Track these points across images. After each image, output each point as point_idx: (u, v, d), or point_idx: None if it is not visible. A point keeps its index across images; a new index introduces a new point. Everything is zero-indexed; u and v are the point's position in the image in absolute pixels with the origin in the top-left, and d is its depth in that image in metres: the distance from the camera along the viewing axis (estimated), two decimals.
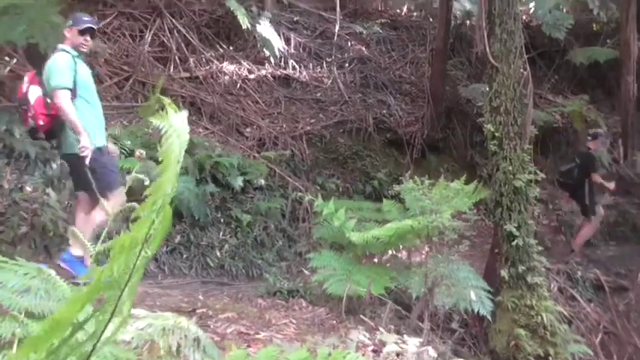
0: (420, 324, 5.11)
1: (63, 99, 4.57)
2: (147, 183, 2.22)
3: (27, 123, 4.87)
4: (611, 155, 11.23)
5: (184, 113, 1.64)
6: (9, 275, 2.29)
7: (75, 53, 4.77)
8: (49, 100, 4.67)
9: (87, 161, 4.54)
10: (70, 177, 5.12)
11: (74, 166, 4.75)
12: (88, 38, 4.85)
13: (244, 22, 9.73)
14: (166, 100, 1.63)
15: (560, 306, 6.60)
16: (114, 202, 4.29)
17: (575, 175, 8.63)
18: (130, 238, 1.60)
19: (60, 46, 4.84)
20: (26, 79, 4.87)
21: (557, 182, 9.37)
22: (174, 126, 1.59)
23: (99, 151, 4.73)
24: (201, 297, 5.62)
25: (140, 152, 2.18)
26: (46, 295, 2.25)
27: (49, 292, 2.24)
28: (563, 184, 9.06)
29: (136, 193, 2.14)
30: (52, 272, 2.33)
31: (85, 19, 4.90)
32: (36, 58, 7.71)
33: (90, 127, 4.69)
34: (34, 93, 4.71)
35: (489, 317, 5.56)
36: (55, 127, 4.75)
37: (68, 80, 4.64)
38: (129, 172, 6.79)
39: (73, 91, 4.67)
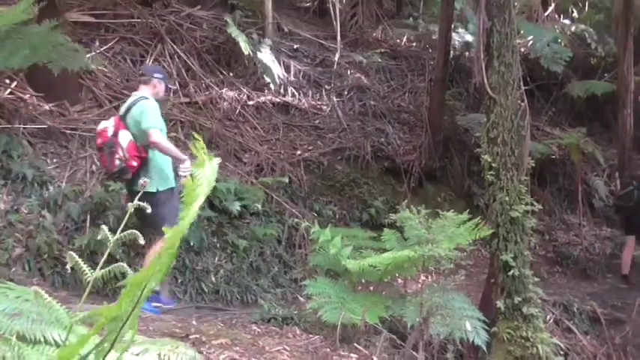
0: (415, 354, 5.07)
1: (159, 137, 5.14)
2: (149, 211, 2.24)
3: (113, 165, 5.20)
4: (608, 188, 11.27)
5: (216, 161, 1.68)
6: (0, 298, 2.28)
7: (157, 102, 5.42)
8: (136, 143, 5.20)
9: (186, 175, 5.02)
10: (138, 215, 5.11)
11: (151, 205, 4.91)
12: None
13: (246, 49, 9.81)
14: (200, 145, 1.66)
15: (556, 338, 6.57)
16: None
17: (635, 197, 9.25)
18: (143, 275, 1.63)
19: (144, 94, 5.43)
20: (110, 123, 5.29)
21: (614, 206, 10.09)
22: (206, 175, 1.63)
23: (171, 191, 5.31)
24: (194, 322, 5.58)
25: (144, 180, 2.19)
26: (38, 319, 2.23)
27: (42, 315, 2.22)
28: (620, 207, 9.67)
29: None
30: (45, 295, 2.32)
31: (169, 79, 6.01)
32: (37, 81, 7.78)
33: (167, 168, 5.30)
34: (124, 137, 5.19)
35: (484, 348, 5.52)
36: (140, 168, 5.20)
37: (160, 122, 5.26)
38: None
39: None
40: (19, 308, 2.27)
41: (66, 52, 6.82)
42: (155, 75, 5.57)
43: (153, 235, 5.16)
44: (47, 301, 2.22)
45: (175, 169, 5.41)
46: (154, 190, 5.17)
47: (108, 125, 5.31)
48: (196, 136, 1.80)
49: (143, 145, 5.22)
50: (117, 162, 5.18)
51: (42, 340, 2.19)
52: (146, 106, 5.25)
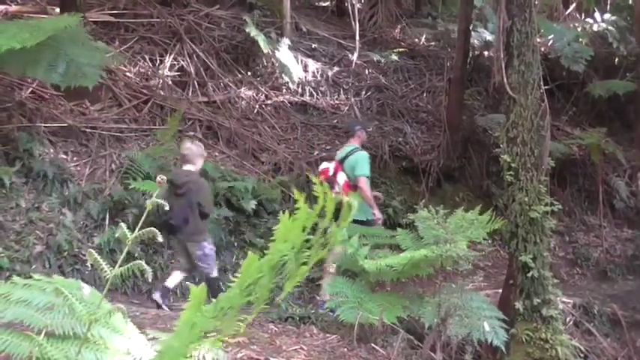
0: (433, 354, 5.05)
1: (366, 184, 6.66)
2: (167, 208, 2.24)
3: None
4: (629, 188, 11.13)
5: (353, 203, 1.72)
6: (36, 293, 2.30)
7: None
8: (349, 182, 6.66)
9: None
10: None
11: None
12: None
13: (265, 47, 9.83)
14: (317, 182, 1.69)
15: (575, 340, 6.50)
16: None
17: None
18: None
19: (355, 145, 6.95)
20: (331, 165, 6.84)
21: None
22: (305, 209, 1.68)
23: (369, 222, 6.60)
24: None
25: (161, 178, 2.20)
26: (69, 312, 2.25)
27: (74, 309, 2.23)
28: None
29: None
30: (86, 287, 2.33)
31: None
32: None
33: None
34: (341, 177, 6.70)
35: (503, 348, 5.47)
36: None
37: (369, 171, 6.73)
38: (143, 194, 6.84)
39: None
40: (52, 302, 2.28)
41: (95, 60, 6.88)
42: (356, 128, 7.18)
43: None
44: (67, 298, 2.23)
45: None
46: (364, 219, 6.55)
47: (329, 166, 6.87)
48: (298, 195, 1.86)
49: (354, 185, 6.68)
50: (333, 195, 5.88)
51: (71, 334, 2.20)
52: (361, 158, 6.79)
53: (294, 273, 1.69)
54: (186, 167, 6.07)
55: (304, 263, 1.71)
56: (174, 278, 6.04)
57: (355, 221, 6.02)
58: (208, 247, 6.02)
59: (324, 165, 7.01)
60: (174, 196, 5.78)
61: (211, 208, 6.25)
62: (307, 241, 1.78)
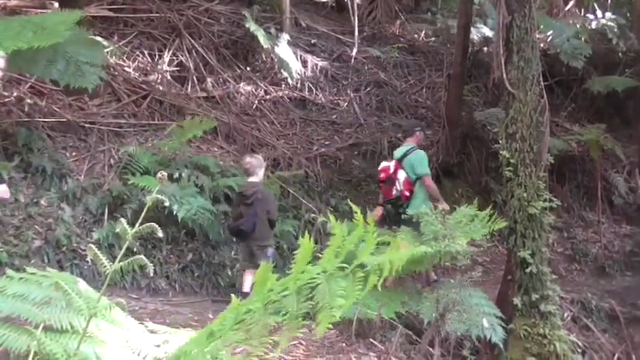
0: (431, 350, 5.06)
1: (430, 181, 7.06)
2: (167, 204, 2.25)
3: (390, 194, 7.07)
4: (627, 184, 11.13)
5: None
6: (32, 287, 2.30)
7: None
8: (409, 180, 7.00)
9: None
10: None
11: (414, 224, 6.47)
12: None
13: (265, 43, 9.81)
14: (357, 210, 1.70)
15: (573, 336, 6.51)
16: None
17: None
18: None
19: (413, 144, 7.26)
20: (392, 164, 7.15)
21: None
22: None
23: None
24: (210, 315, 5.62)
25: (162, 174, 2.20)
26: (67, 307, 2.25)
27: (71, 303, 2.23)
28: None
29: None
30: (81, 282, 2.33)
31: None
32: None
33: (426, 200, 6.87)
34: (402, 175, 7.01)
35: (501, 345, 5.49)
36: (410, 198, 6.99)
37: (428, 169, 7.13)
38: (142, 189, 6.84)
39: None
40: (49, 296, 2.28)
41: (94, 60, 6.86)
42: (416, 128, 7.58)
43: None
44: (67, 293, 2.23)
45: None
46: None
47: (389, 165, 7.18)
48: (355, 207, 1.89)
49: (413, 183, 7.02)
50: (394, 192, 7.04)
51: (69, 328, 2.20)
52: (420, 157, 7.13)
53: (327, 304, 1.68)
54: (251, 179, 6.47)
55: (339, 295, 1.71)
56: (249, 281, 6.16)
57: (412, 217, 6.49)
58: (271, 251, 6.41)
59: (384, 164, 7.37)
60: (243, 205, 6.32)
61: (276, 215, 6.74)
62: (342, 269, 1.79)
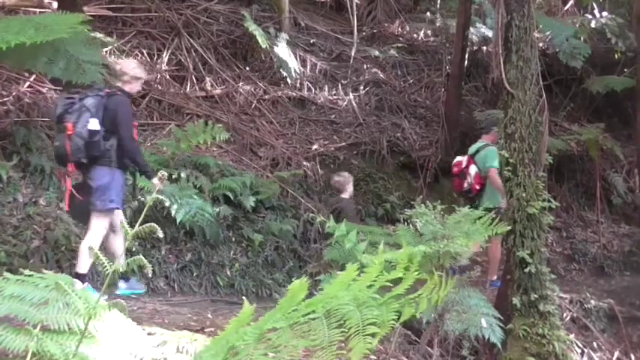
0: (430, 350, 5.06)
1: (496, 174, 7.29)
2: (167, 204, 2.25)
3: (462, 187, 7.71)
4: (626, 184, 11.14)
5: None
6: (29, 288, 2.30)
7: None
8: (480, 174, 7.53)
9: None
10: None
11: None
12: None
13: (264, 42, 9.80)
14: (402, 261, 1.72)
15: (572, 335, 6.52)
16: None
17: None
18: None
19: (487, 142, 7.71)
20: (464, 159, 7.71)
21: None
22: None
23: (498, 209, 7.05)
24: (210, 315, 5.61)
25: (162, 174, 2.20)
26: (64, 308, 2.25)
27: (69, 304, 2.23)
28: None
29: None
30: (78, 283, 2.33)
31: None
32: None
33: (497, 193, 7.29)
34: (473, 170, 7.56)
35: (500, 345, 5.48)
36: (480, 190, 7.55)
37: (498, 164, 7.16)
38: (141, 190, 6.83)
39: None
40: (46, 297, 2.28)
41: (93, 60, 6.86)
42: (492, 127, 7.81)
43: None
44: (67, 293, 2.23)
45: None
46: (492, 206, 7.03)
47: (462, 160, 7.73)
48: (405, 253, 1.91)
49: (484, 177, 7.51)
50: (465, 185, 7.63)
51: (66, 329, 2.20)
52: (491, 152, 7.48)
53: (360, 331, 1.69)
54: (342, 196, 7.29)
55: (372, 323, 1.71)
56: None
57: (485, 208, 6.73)
58: None
59: (457, 158, 7.89)
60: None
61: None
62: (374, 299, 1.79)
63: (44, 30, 6.15)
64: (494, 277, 7.59)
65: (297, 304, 1.76)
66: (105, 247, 5.48)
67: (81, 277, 5.26)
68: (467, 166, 7.63)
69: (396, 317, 1.80)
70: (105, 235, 5.42)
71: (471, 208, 7.06)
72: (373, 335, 1.71)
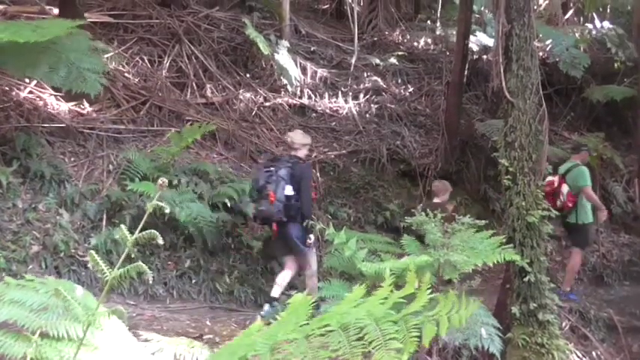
0: (429, 358, 5.04)
1: (590, 192, 8.05)
2: (167, 210, 2.25)
3: (555, 205, 7.70)
4: (626, 194, 11.14)
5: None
6: (29, 294, 2.29)
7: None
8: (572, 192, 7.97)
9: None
10: (573, 238, 8.63)
11: (578, 231, 8.28)
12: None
13: (265, 49, 9.82)
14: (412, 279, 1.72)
15: (572, 345, 6.50)
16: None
17: None
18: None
19: (577, 162, 8.22)
20: (556, 179, 8.06)
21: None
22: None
23: (590, 225, 8.26)
24: (208, 322, 5.61)
25: (162, 181, 2.20)
26: (64, 313, 2.24)
27: (68, 310, 2.23)
28: None
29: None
30: (79, 289, 2.32)
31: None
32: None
33: (589, 210, 8.12)
34: (565, 189, 7.99)
35: (499, 355, 5.47)
36: (573, 208, 8.04)
37: (590, 182, 8.04)
38: (140, 195, 6.83)
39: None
40: (46, 303, 2.27)
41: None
42: (582, 148, 8.58)
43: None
44: (67, 299, 2.22)
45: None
46: (580, 222, 8.10)
47: (554, 179, 8.06)
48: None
49: (575, 194, 7.98)
50: (558, 203, 7.90)
51: (65, 335, 2.19)
52: (582, 171, 8.08)
53: (382, 345, 1.69)
54: (435, 200, 7.71)
55: (393, 338, 1.72)
56: None
57: (576, 224, 8.09)
58: None
59: (549, 178, 8.00)
60: None
61: None
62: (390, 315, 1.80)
63: (41, 31, 6.16)
64: (568, 288, 8.13)
65: (309, 318, 1.77)
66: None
67: (273, 300, 6.40)
68: (559, 186, 8.07)
69: (418, 334, 1.80)
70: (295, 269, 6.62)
71: (564, 225, 8.41)
72: (399, 350, 1.72)
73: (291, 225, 6.35)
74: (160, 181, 2.18)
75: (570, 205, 8.02)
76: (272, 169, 6.49)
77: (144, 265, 2.05)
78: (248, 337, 1.84)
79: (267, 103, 10.20)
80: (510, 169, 6.14)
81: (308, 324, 1.82)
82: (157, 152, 7.82)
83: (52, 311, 2.24)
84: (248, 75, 10.45)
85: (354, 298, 1.83)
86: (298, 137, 6.79)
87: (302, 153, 6.70)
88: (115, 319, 2.22)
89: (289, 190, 6.34)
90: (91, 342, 2.21)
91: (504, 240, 5.42)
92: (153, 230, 2.07)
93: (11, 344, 2.17)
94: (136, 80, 9.23)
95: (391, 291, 1.83)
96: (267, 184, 6.37)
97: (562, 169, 8.26)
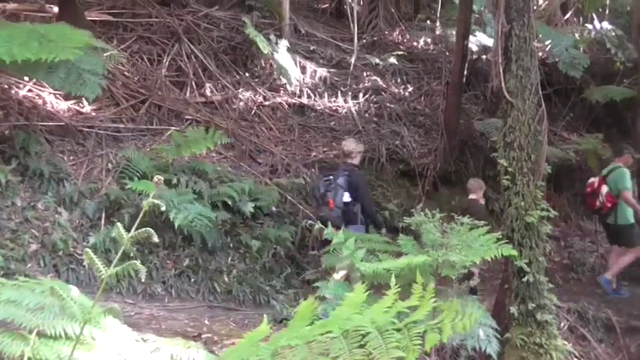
0: (427, 358, 5.04)
1: (628, 195, 8.28)
2: (163, 209, 2.25)
3: (594, 205, 8.58)
4: None
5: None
6: (25, 293, 2.29)
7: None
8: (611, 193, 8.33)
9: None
10: (612, 238, 8.84)
11: (619, 232, 8.52)
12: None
13: (265, 48, 9.82)
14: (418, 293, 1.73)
15: (570, 345, 6.50)
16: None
17: None
18: None
19: (619, 164, 8.49)
20: (597, 180, 8.52)
21: None
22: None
23: (631, 226, 8.44)
24: (207, 322, 5.60)
25: (158, 178, 2.21)
26: (60, 313, 2.24)
27: (64, 309, 2.23)
28: None
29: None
30: (74, 289, 2.31)
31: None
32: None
33: (628, 212, 8.36)
34: (604, 190, 8.34)
35: (496, 357, 5.46)
36: (611, 209, 8.41)
37: (630, 184, 8.32)
38: (139, 194, 6.83)
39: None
40: (42, 302, 2.28)
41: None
42: (625, 151, 8.77)
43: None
44: (62, 298, 2.22)
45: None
46: (620, 224, 8.42)
47: (595, 180, 8.54)
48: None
49: (615, 195, 8.29)
50: (597, 204, 8.46)
51: (62, 334, 2.20)
52: (623, 173, 8.36)
53: (384, 353, 1.69)
54: (471, 196, 8.02)
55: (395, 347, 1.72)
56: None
57: (616, 226, 8.43)
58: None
59: (591, 179, 8.72)
60: None
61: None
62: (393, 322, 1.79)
63: (48, 45, 6.13)
64: (610, 278, 8.57)
65: (309, 323, 1.77)
66: None
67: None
68: (599, 186, 8.42)
69: (421, 342, 1.80)
70: None
71: (604, 226, 8.87)
72: (401, 359, 1.72)
73: (351, 228, 6.62)
74: (155, 179, 2.18)
75: (609, 205, 8.36)
76: (331, 177, 6.99)
77: (139, 263, 2.05)
78: (253, 342, 1.84)
79: (267, 103, 10.20)
80: (509, 169, 6.13)
81: (310, 329, 1.82)
82: (158, 150, 7.82)
83: (49, 310, 2.25)
84: (247, 74, 10.45)
85: (355, 299, 1.83)
86: (352, 145, 7.23)
87: (357, 160, 7.16)
88: (112, 318, 2.22)
89: (347, 197, 6.81)
90: (89, 341, 2.22)
91: (501, 236, 5.40)
92: (149, 228, 2.07)
93: (8, 343, 2.17)
94: (136, 79, 9.23)
95: (395, 300, 1.83)
96: (326, 192, 6.86)
97: (605, 170, 8.65)
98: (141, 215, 2.08)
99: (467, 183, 8.47)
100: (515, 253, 5.56)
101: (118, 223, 2.05)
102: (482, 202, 8.17)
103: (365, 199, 6.96)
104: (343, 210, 6.80)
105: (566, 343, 6.32)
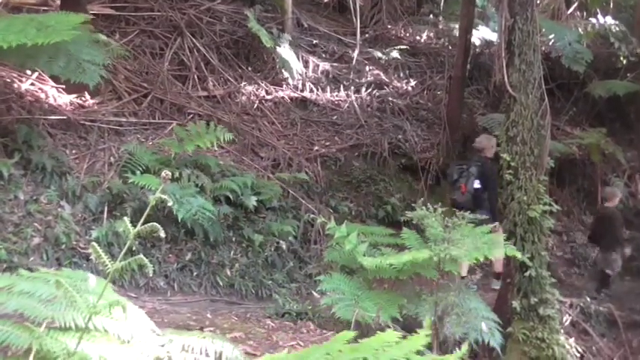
0: (429, 352, 5.03)
1: None
2: (170, 204, 2.25)
3: None
4: (628, 189, 11.12)
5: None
6: (39, 284, 2.30)
7: None
8: None
9: None
10: None
11: None
12: None
13: (267, 42, 9.79)
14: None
15: (572, 340, 6.51)
16: None
17: None
18: None
19: None
20: None
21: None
22: None
23: None
24: (209, 315, 5.61)
25: (166, 173, 2.20)
26: (71, 304, 2.24)
27: (76, 301, 2.23)
28: None
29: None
30: (92, 277, 2.31)
31: None
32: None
33: None
34: None
35: (499, 350, 5.47)
36: None
37: None
38: (142, 188, 6.83)
39: None
40: (55, 294, 2.28)
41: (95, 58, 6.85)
42: None
43: None
44: (69, 291, 2.22)
45: None
46: None
47: None
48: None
49: None
50: None
51: (72, 326, 2.20)
52: None
53: None
54: (607, 204, 8.69)
55: None
56: None
57: None
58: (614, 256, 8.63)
59: None
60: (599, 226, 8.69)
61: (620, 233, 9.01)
62: None
63: (46, 31, 6.14)
64: None
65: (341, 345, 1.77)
66: None
67: None
68: None
69: None
70: None
71: None
72: None
73: (479, 212, 6.80)
74: (163, 174, 2.18)
75: None
76: (464, 166, 7.74)
77: (144, 258, 2.05)
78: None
79: (269, 97, 10.18)
80: (512, 163, 6.13)
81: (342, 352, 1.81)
82: (162, 144, 7.82)
83: (60, 302, 2.25)
84: (250, 68, 10.44)
85: (385, 339, 1.82)
86: (485, 142, 7.83)
87: (490, 153, 7.69)
88: (135, 310, 2.23)
89: (477, 184, 7.43)
90: (100, 332, 2.22)
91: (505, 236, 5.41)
92: (155, 223, 2.07)
93: (17, 335, 2.18)
94: (138, 73, 9.22)
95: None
96: (459, 178, 7.59)
97: None
98: (148, 210, 2.08)
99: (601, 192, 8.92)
100: (518, 254, 5.57)
101: (125, 217, 2.05)
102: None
103: (493, 190, 7.41)
104: (473, 195, 7.42)
105: (568, 337, 6.33)
